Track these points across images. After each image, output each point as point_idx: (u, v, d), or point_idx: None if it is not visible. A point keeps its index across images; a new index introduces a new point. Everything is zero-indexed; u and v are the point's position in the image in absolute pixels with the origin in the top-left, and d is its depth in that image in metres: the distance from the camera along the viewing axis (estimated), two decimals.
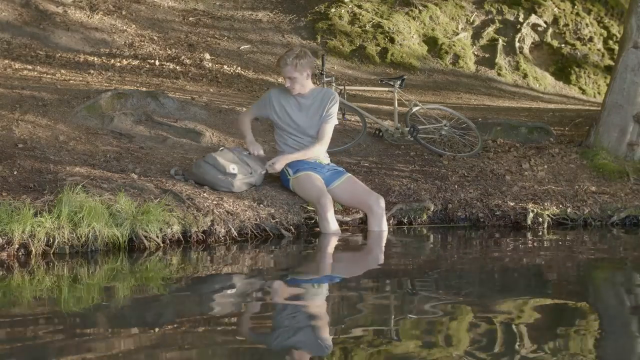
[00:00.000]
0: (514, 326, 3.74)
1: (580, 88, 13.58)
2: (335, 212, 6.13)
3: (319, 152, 6.23)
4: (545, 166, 7.55)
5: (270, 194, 6.10)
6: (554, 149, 7.94)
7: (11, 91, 7.43)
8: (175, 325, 3.60)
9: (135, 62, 10.33)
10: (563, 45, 13.87)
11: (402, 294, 4.45)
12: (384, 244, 5.87)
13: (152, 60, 10.44)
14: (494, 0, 13.84)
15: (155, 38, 11.24)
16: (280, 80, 10.76)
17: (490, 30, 13.52)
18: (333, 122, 6.21)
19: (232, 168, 5.93)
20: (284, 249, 5.63)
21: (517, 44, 13.52)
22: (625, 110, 7.83)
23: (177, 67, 10.42)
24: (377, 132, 7.90)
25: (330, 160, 6.37)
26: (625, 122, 7.83)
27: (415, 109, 7.88)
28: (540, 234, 6.51)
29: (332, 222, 5.95)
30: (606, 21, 14.42)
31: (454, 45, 13.03)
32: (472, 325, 3.78)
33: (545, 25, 13.89)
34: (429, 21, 13.26)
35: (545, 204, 6.81)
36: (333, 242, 5.81)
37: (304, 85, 6.12)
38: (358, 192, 6.16)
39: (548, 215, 6.71)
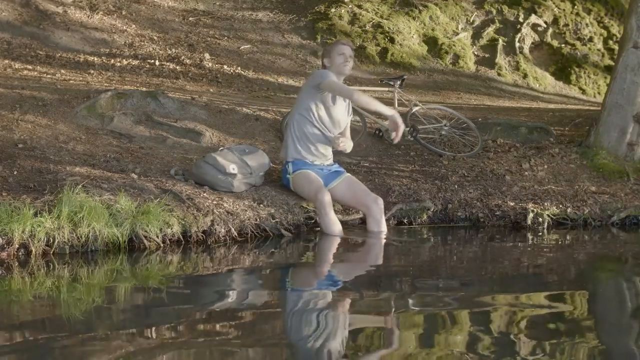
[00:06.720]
0: (513, 325, 3.74)
1: (580, 88, 13.57)
2: (335, 212, 6.13)
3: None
4: (545, 166, 7.55)
5: (270, 194, 6.10)
6: (554, 149, 7.94)
7: (11, 91, 7.43)
8: (175, 326, 3.60)
9: (135, 62, 10.33)
10: (563, 45, 13.86)
11: (402, 294, 4.45)
12: (383, 244, 5.87)
13: (152, 60, 10.44)
14: (494, 0, 13.83)
15: (155, 38, 11.24)
16: (280, 80, 10.77)
17: (490, 30, 13.52)
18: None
19: (232, 168, 5.93)
20: (283, 249, 5.62)
21: (517, 44, 13.51)
22: (625, 110, 7.83)
23: (177, 67, 10.42)
24: (377, 132, 7.90)
25: (333, 161, 6.36)
26: (625, 122, 7.83)
27: (415, 109, 7.88)
28: (540, 234, 6.52)
29: (332, 219, 5.92)
30: (606, 21, 14.42)
31: (454, 45, 13.02)
32: (472, 325, 3.78)
33: (545, 25, 13.88)
34: (429, 21, 13.26)
35: (545, 204, 6.81)
36: (333, 241, 5.80)
37: None
38: (356, 192, 6.16)
39: (548, 215, 6.71)
